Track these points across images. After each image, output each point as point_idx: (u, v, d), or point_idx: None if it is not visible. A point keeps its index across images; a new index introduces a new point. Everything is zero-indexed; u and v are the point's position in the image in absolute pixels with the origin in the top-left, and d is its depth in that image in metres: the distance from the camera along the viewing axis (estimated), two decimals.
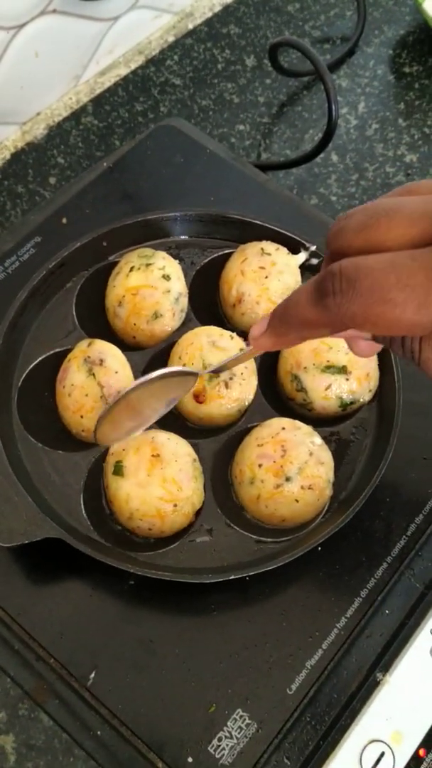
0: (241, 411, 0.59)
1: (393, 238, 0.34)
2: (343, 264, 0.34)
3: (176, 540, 0.55)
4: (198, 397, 0.58)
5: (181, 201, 0.70)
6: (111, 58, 0.92)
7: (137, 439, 0.55)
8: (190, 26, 0.96)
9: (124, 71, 0.92)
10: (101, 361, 0.58)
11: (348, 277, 0.34)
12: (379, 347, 0.44)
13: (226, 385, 0.57)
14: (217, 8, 0.98)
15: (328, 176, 0.85)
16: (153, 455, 0.54)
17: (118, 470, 0.55)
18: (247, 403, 0.59)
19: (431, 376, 0.38)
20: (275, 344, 0.41)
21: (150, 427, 0.56)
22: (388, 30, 0.96)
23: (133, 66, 0.93)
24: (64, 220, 0.69)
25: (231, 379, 0.58)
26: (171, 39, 0.95)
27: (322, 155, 0.85)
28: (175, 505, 0.54)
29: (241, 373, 0.58)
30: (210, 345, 0.58)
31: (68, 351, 0.61)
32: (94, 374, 0.57)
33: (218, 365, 0.49)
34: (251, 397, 0.59)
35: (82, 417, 0.57)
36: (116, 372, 0.57)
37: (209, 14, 0.97)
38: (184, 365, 0.58)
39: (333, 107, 0.77)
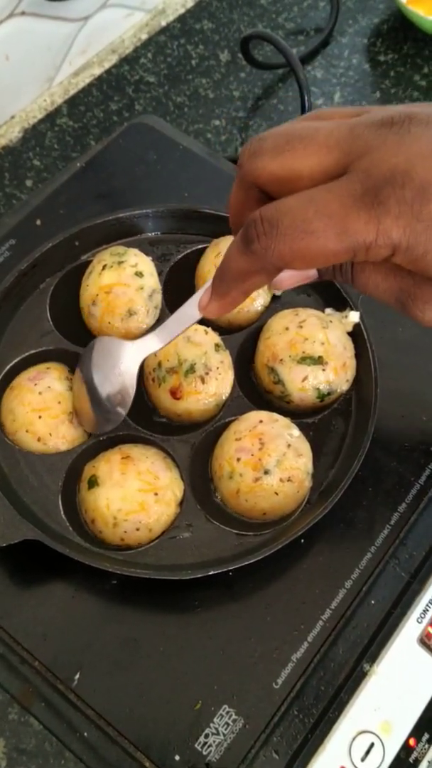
0: (219, 406, 0.59)
1: (309, 166, 0.36)
2: (263, 209, 0.36)
3: (156, 537, 0.55)
4: (175, 393, 0.57)
5: (155, 198, 0.70)
6: (84, 59, 0.92)
7: (105, 453, 0.56)
8: (163, 23, 0.96)
9: (97, 71, 0.92)
10: None
11: (269, 219, 0.35)
12: (300, 276, 0.45)
13: (203, 380, 0.57)
14: (190, 4, 0.97)
15: None
16: (123, 458, 0.55)
17: (93, 482, 0.55)
18: (224, 398, 0.59)
19: (371, 296, 0.40)
20: (221, 307, 0.42)
21: (121, 438, 0.57)
22: (362, 19, 0.96)
23: (107, 65, 0.92)
24: (39, 222, 0.69)
25: (207, 374, 0.57)
26: (144, 37, 0.95)
27: None
28: (156, 494, 0.54)
29: (217, 368, 0.58)
30: (185, 340, 0.58)
31: (44, 352, 0.60)
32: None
33: (164, 332, 0.50)
34: (228, 391, 0.59)
35: (39, 417, 0.56)
36: None
37: (182, 10, 0.97)
38: (159, 362, 0.58)
39: (306, 98, 0.77)
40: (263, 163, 0.37)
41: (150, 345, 0.51)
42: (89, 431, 0.57)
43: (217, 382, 0.58)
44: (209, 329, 0.60)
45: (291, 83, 0.91)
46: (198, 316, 0.45)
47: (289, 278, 0.44)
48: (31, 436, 0.57)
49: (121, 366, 0.53)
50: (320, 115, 0.39)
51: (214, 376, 0.58)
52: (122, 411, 0.54)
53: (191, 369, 0.57)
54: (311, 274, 0.44)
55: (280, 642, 0.53)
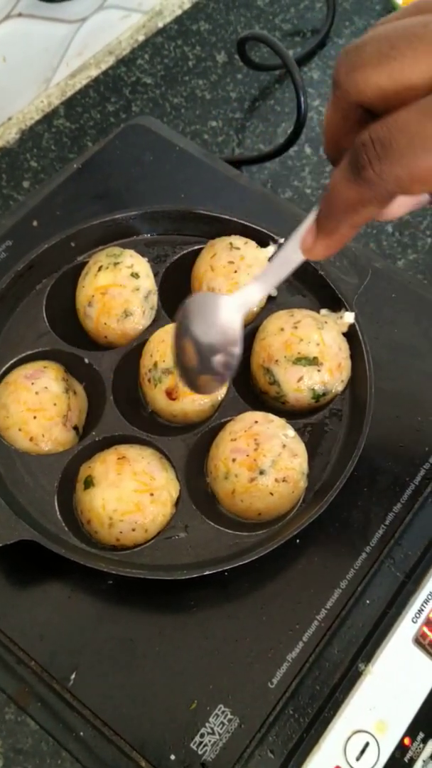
0: (215, 407, 0.59)
1: (420, 73, 0.31)
2: (372, 129, 0.32)
3: (152, 538, 0.55)
4: (170, 394, 0.58)
5: (151, 199, 0.70)
6: (81, 60, 0.92)
7: (101, 454, 0.57)
8: (160, 24, 0.96)
9: (94, 72, 0.92)
10: (75, 393, 0.59)
11: (381, 140, 0.31)
12: (413, 202, 0.40)
13: None
14: (187, 5, 0.98)
15: (302, 169, 0.84)
16: (119, 458, 0.55)
17: (89, 483, 0.55)
18: (220, 399, 0.59)
19: None
20: (329, 246, 0.37)
21: (117, 439, 0.58)
22: (359, 20, 0.96)
23: (104, 66, 0.93)
24: (35, 223, 0.69)
25: None
26: (141, 38, 0.95)
27: (295, 148, 0.85)
28: (152, 494, 0.54)
29: None
30: None
31: (40, 353, 0.61)
32: (69, 395, 0.58)
33: (264, 279, 0.44)
34: (224, 392, 0.59)
35: (35, 417, 0.57)
36: (80, 411, 0.60)
37: (179, 12, 0.97)
38: (155, 363, 0.58)
39: (302, 99, 0.77)
40: (366, 76, 0.32)
41: (251, 296, 0.45)
42: (197, 393, 0.53)
43: None
44: None
45: (287, 84, 0.91)
46: (301, 258, 0.40)
47: (399, 205, 0.39)
48: (23, 435, 0.57)
49: (218, 324, 0.46)
50: (421, 7, 0.33)
51: None
52: (227, 373, 0.47)
53: None
54: (424, 199, 0.39)
55: (275, 642, 0.53)
